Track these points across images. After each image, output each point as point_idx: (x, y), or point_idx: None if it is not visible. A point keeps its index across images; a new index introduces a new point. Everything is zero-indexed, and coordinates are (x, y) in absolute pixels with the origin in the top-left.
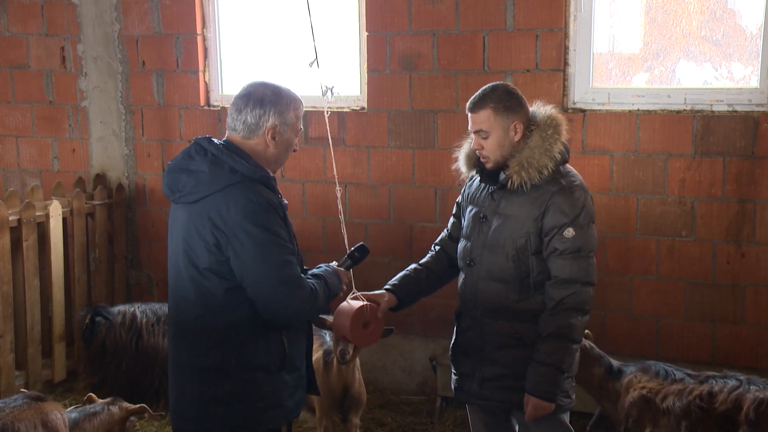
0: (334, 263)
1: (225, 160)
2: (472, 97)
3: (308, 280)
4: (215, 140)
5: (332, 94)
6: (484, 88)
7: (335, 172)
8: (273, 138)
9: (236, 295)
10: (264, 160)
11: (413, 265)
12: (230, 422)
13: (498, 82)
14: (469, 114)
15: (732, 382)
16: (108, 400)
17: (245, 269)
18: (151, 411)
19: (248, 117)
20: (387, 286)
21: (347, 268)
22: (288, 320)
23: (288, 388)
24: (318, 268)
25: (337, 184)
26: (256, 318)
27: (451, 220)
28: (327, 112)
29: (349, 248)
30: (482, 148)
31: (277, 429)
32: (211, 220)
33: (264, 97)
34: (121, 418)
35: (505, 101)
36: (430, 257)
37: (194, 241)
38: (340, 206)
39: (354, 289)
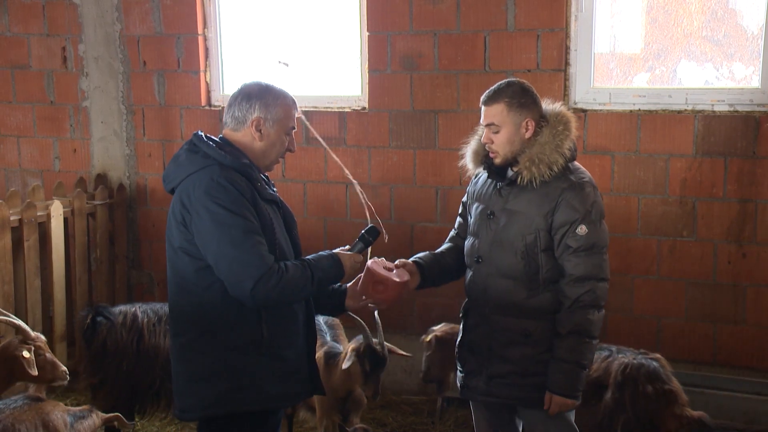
0: (347, 247)
1: (201, 148)
2: (487, 91)
3: (285, 262)
4: (203, 134)
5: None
6: (500, 82)
7: (345, 170)
8: (258, 130)
9: (207, 276)
10: (252, 154)
11: (429, 252)
12: (207, 399)
13: (514, 79)
14: (483, 107)
15: (604, 353)
16: (86, 407)
17: (206, 246)
18: (124, 420)
19: (236, 110)
20: (414, 259)
21: (359, 251)
22: (251, 296)
23: (269, 374)
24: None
25: (356, 184)
26: (229, 299)
27: (458, 220)
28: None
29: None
30: (492, 142)
31: (259, 412)
32: (181, 200)
33: (251, 92)
34: (98, 426)
35: (520, 97)
36: (445, 248)
37: (171, 221)
38: (364, 200)
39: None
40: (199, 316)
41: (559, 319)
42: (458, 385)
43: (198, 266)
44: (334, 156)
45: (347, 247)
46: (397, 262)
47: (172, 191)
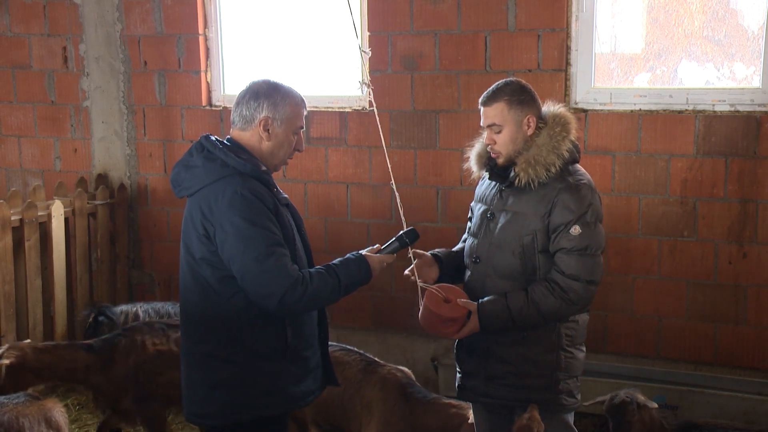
0: (377, 246)
1: (218, 155)
2: (486, 92)
3: (308, 269)
4: (214, 138)
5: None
6: (497, 83)
7: (390, 172)
8: (266, 130)
9: (231, 285)
10: (260, 154)
11: (446, 249)
12: (232, 406)
13: (511, 78)
14: (482, 108)
15: None
16: None
17: (230, 259)
18: None
19: (244, 109)
20: (432, 252)
21: (392, 252)
22: (277, 309)
23: (291, 377)
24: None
25: (394, 185)
26: (253, 307)
27: (468, 223)
28: (375, 112)
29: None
30: (494, 143)
31: (283, 414)
32: (201, 211)
33: (260, 90)
34: None
35: (519, 95)
36: (458, 248)
37: (190, 231)
38: (399, 203)
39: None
40: (224, 323)
41: (535, 285)
42: (456, 386)
43: (221, 275)
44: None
45: (376, 246)
46: (413, 252)
47: (184, 197)
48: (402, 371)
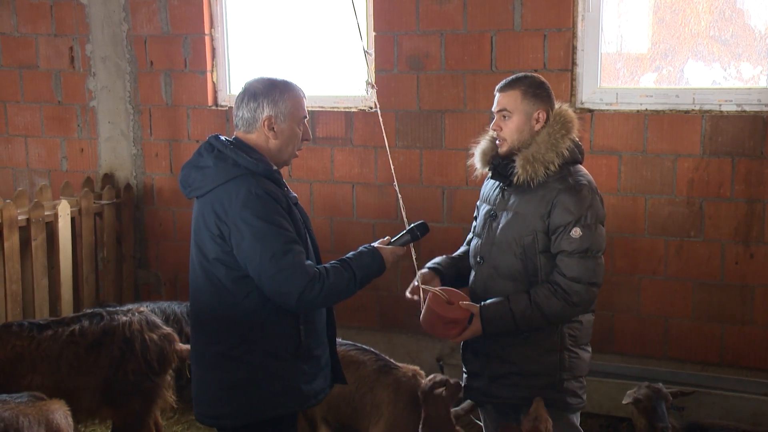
0: (387, 238)
1: (229, 155)
2: (504, 79)
3: (322, 264)
4: (223, 138)
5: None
6: (518, 74)
7: (393, 172)
8: (271, 129)
9: (245, 285)
10: (269, 153)
11: (446, 256)
12: (246, 407)
13: (532, 73)
14: (498, 94)
15: (97, 319)
16: None
17: (247, 258)
18: None
19: (244, 112)
20: (431, 266)
21: (403, 244)
22: (296, 306)
23: (304, 375)
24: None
25: (396, 185)
26: (267, 306)
27: (473, 223)
28: (379, 113)
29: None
30: (501, 129)
31: (293, 413)
32: (215, 212)
33: (256, 90)
34: None
35: (535, 88)
36: (461, 251)
37: (202, 232)
38: (401, 205)
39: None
40: (238, 324)
41: (537, 288)
42: (462, 386)
43: (235, 276)
44: None
45: (387, 238)
46: (416, 279)
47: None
48: (419, 375)
